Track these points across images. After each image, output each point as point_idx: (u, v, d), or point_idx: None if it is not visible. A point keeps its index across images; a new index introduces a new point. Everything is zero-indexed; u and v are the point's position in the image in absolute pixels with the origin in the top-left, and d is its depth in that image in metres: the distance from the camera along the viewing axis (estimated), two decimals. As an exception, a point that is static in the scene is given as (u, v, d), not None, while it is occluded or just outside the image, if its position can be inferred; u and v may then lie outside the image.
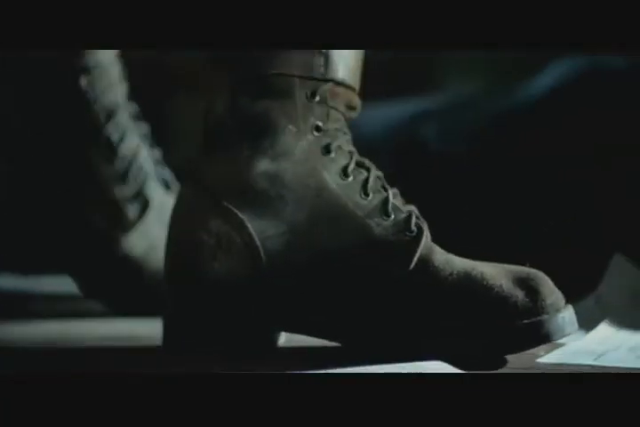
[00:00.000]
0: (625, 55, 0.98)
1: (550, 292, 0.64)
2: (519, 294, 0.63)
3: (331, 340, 0.67)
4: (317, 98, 0.67)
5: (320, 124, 0.67)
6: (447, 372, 0.57)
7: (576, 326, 0.65)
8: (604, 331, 0.80)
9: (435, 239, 0.67)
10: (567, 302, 0.65)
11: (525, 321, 0.63)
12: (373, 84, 0.79)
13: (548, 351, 0.67)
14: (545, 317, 0.63)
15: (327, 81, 0.67)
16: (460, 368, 0.59)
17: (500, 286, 0.63)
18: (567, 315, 0.64)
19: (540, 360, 0.66)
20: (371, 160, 0.69)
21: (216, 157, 0.67)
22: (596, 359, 0.68)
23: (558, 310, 0.63)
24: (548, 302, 0.63)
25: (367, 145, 0.77)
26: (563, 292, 0.65)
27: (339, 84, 0.68)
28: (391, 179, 0.70)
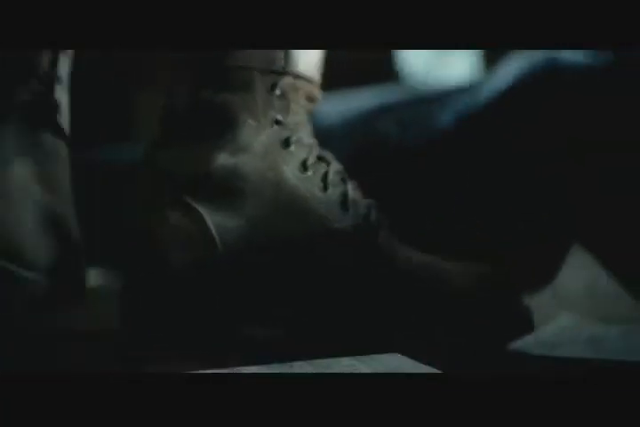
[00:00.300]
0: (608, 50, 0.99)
1: (508, 289, 0.64)
2: (477, 292, 0.64)
3: (290, 332, 0.67)
4: (278, 91, 0.67)
5: (280, 117, 0.67)
6: (407, 372, 0.57)
7: (533, 324, 0.66)
8: (561, 323, 0.81)
9: (394, 233, 0.67)
10: (525, 295, 0.66)
11: (483, 318, 0.63)
12: (334, 76, 0.80)
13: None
14: (501, 314, 0.64)
15: (287, 74, 0.67)
16: (419, 361, 0.59)
17: (459, 282, 0.64)
18: (524, 313, 0.65)
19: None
20: (331, 152, 0.70)
21: (175, 150, 0.67)
22: (552, 351, 0.68)
23: (517, 308, 0.64)
24: (505, 299, 0.64)
25: (327, 137, 0.77)
26: (520, 285, 0.66)
27: (299, 77, 0.67)
28: (351, 172, 0.70)
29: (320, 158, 0.68)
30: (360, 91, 1.17)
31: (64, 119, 0.66)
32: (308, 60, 0.68)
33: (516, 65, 1.06)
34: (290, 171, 0.66)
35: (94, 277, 1.03)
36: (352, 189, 0.67)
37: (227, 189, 0.65)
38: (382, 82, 1.22)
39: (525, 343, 0.69)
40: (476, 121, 1.05)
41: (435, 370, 0.57)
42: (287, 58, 0.67)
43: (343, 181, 0.68)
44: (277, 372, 0.55)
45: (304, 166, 0.67)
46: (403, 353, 0.60)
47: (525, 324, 0.65)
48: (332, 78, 0.78)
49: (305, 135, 0.68)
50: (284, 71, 0.67)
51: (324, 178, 0.67)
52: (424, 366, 0.58)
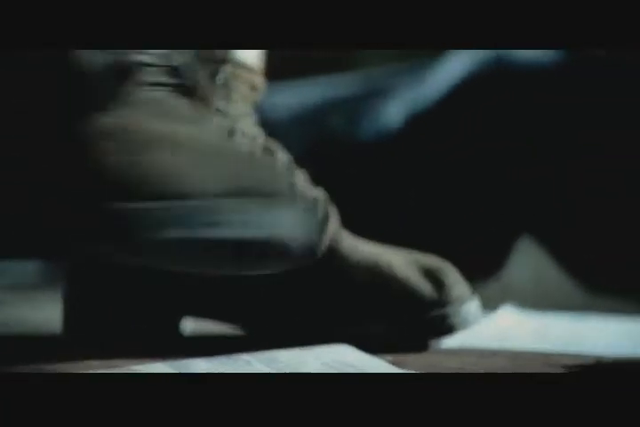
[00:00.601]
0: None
1: (456, 284, 0.64)
2: (425, 286, 0.63)
3: (238, 325, 0.66)
4: (219, 80, 0.66)
5: (222, 106, 0.66)
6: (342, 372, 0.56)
7: (480, 317, 0.66)
8: (508, 313, 0.81)
9: (344, 224, 0.66)
10: (473, 286, 0.66)
11: (430, 313, 0.63)
12: (282, 66, 0.79)
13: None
14: (450, 309, 0.63)
15: (228, 62, 0.66)
16: (366, 351, 0.59)
17: (407, 277, 0.63)
18: (472, 307, 0.65)
19: (444, 343, 0.66)
20: (280, 142, 0.69)
21: None
22: (499, 341, 0.69)
23: (463, 302, 0.64)
24: (454, 294, 0.64)
25: (275, 128, 0.77)
26: (468, 276, 0.66)
27: (241, 65, 0.66)
28: (300, 163, 0.69)
29: (266, 149, 0.67)
30: (307, 82, 1.16)
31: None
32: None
33: (461, 60, 1.06)
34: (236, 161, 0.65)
35: (34, 274, 1.02)
36: (300, 180, 0.66)
37: (169, 183, 0.64)
38: (330, 72, 1.21)
39: (472, 334, 0.69)
40: (425, 115, 1.05)
41: (381, 362, 0.57)
42: None
43: (290, 171, 0.67)
44: (223, 365, 0.55)
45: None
46: (351, 344, 0.60)
47: (471, 322, 0.65)
48: (279, 68, 0.77)
49: (249, 125, 0.67)
50: (225, 60, 0.65)
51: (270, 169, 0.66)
52: (370, 356, 0.58)
